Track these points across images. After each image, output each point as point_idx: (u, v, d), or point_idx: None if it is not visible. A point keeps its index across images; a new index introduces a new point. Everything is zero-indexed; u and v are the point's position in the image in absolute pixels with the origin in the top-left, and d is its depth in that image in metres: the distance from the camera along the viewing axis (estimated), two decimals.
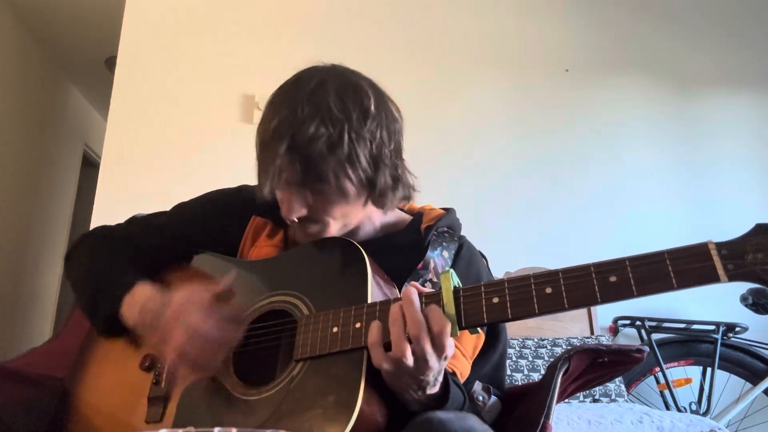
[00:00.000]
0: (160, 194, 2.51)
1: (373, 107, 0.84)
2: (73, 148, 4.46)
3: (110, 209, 2.38)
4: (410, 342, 0.68)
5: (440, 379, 0.74)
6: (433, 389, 0.73)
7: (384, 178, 0.84)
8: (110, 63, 3.58)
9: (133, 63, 2.58)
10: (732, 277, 0.60)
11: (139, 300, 0.86)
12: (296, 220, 0.84)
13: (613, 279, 0.64)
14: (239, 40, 2.69)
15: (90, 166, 4.58)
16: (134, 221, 1.05)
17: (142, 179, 2.45)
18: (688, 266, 0.62)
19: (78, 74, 4.18)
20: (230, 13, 2.73)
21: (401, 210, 1.04)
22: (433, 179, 2.62)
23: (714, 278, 0.61)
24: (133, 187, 2.44)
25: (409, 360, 0.68)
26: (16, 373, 0.96)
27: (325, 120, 0.79)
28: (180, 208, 1.05)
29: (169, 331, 0.79)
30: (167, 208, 1.06)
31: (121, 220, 1.07)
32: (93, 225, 2.36)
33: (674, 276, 0.62)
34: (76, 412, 0.91)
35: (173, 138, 2.53)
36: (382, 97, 0.88)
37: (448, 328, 0.67)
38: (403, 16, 2.86)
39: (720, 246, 0.62)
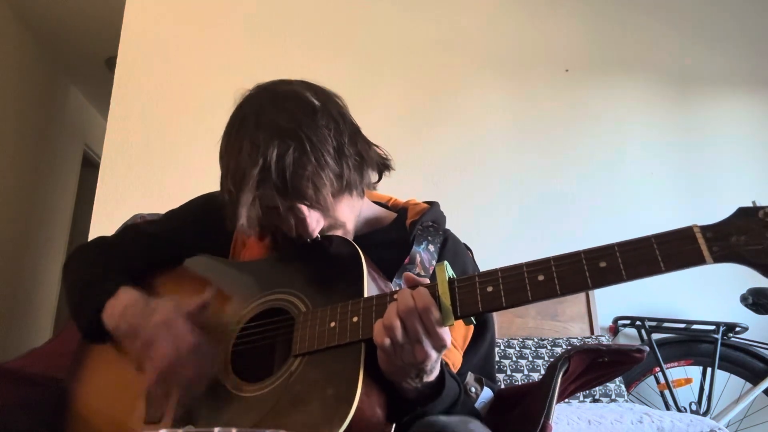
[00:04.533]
0: (160, 194, 2.53)
1: (316, 101, 0.85)
2: (73, 148, 4.46)
3: (110, 209, 2.38)
4: (406, 332, 0.70)
5: (437, 367, 0.75)
6: (430, 377, 0.74)
7: (348, 170, 0.85)
8: (110, 63, 3.57)
9: (133, 63, 2.58)
10: (717, 259, 0.62)
11: (121, 304, 0.86)
12: (319, 236, 0.85)
13: (603, 264, 0.66)
14: (239, 40, 2.69)
15: (90, 166, 4.58)
16: (127, 229, 1.07)
17: (142, 179, 2.45)
18: (674, 249, 0.63)
19: (78, 74, 4.18)
20: (230, 13, 2.73)
21: (386, 207, 1.05)
22: (433, 180, 2.64)
23: (700, 260, 0.62)
24: (133, 187, 2.44)
25: (400, 335, 0.69)
26: (17, 374, 0.96)
27: (283, 138, 0.80)
28: (170, 214, 1.06)
29: (152, 340, 0.79)
30: (167, 208, 1.07)
31: (121, 220, 1.08)
32: (93, 225, 2.36)
33: (662, 259, 0.63)
34: (74, 412, 0.91)
35: (173, 138, 2.53)
36: (317, 89, 0.89)
37: (434, 308, 0.69)
38: (401, 17, 2.86)
39: (705, 229, 0.64)
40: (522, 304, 0.69)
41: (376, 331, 0.71)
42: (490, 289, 0.70)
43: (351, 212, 0.90)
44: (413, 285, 0.74)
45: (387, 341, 0.70)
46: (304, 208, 0.83)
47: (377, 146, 0.93)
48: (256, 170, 0.79)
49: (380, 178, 0.95)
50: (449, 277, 0.72)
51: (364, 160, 0.89)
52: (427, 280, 0.76)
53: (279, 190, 0.80)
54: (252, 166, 0.79)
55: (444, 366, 0.78)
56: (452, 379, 0.81)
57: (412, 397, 0.75)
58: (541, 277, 0.68)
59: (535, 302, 0.68)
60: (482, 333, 0.93)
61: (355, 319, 0.74)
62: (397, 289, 0.80)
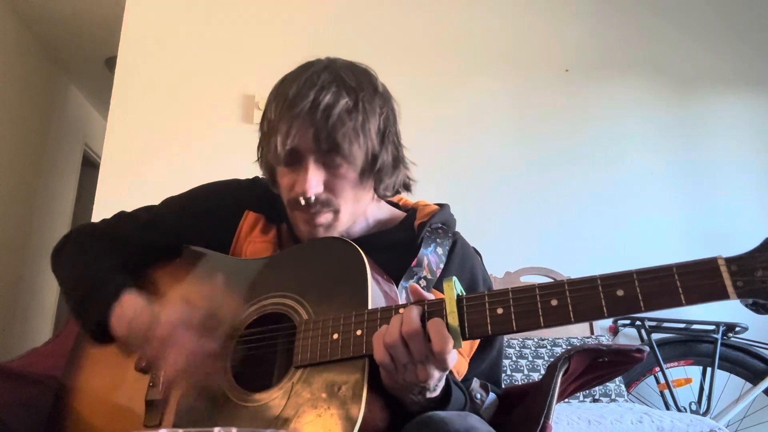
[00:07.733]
0: (160, 194, 2.50)
1: (380, 87, 0.89)
2: (73, 148, 4.46)
3: (110, 209, 2.34)
4: (410, 353, 0.68)
5: (441, 384, 0.73)
6: (433, 394, 0.73)
7: (386, 156, 0.86)
8: (110, 63, 3.58)
9: (133, 63, 2.58)
10: (741, 295, 0.59)
11: (128, 312, 0.84)
12: (313, 197, 0.82)
13: (620, 293, 0.63)
14: (239, 40, 2.69)
15: (90, 166, 4.57)
16: (121, 217, 1.03)
17: (142, 179, 2.45)
18: (697, 282, 0.61)
19: (78, 74, 4.18)
20: (230, 13, 2.73)
21: (395, 206, 1.03)
22: (432, 179, 2.62)
23: (723, 295, 0.60)
24: (133, 187, 2.44)
25: (401, 355, 0.68)
26: (17, 373, 0.95)
27: (341, 88, 0.82)
28: (169, 202, 1.03)
29: (162, 349, 0.78)
30: None
31: None
32: None
33: (683, 292, 0.61)
34: (72, 412, 0.90)
35: (173, 138, 2.53)
36: (384, 85, 0.92)
37: (450, 345, 0.66)
38: (402, 15, 2.86)
39: (729, 261, 0.60)
40: (534, 329, 0.67)
41: (377, 349, 0.69)
42: (500, 311, 0.67)
43: (356, 207, 0.89)
44: (419, 299, 0.72)
45: (387, 360, 0.69)
46: (311, 162, 0.82)
47: (411, 162, 0.94)
48: (305, 102, 0.80)
49: (394, 194, 0.95)
50: (458, 295, 0.70)
51: (398, 161, 0.90)
52: (431, 296, 0.74)
53: (316, 131, 0.80)
54: (302, 98, 0.80)
55: (449, 377, 0.76)
56: (458, 389, 0.79)
57: (416, 410, 0.74)
58: (554, 302, 0.66)
59: (547, 328, 0.66)
60: (491, 341, 0.91)
61: (359, 332, 0.72)
62: (404, 303, 0.77)
